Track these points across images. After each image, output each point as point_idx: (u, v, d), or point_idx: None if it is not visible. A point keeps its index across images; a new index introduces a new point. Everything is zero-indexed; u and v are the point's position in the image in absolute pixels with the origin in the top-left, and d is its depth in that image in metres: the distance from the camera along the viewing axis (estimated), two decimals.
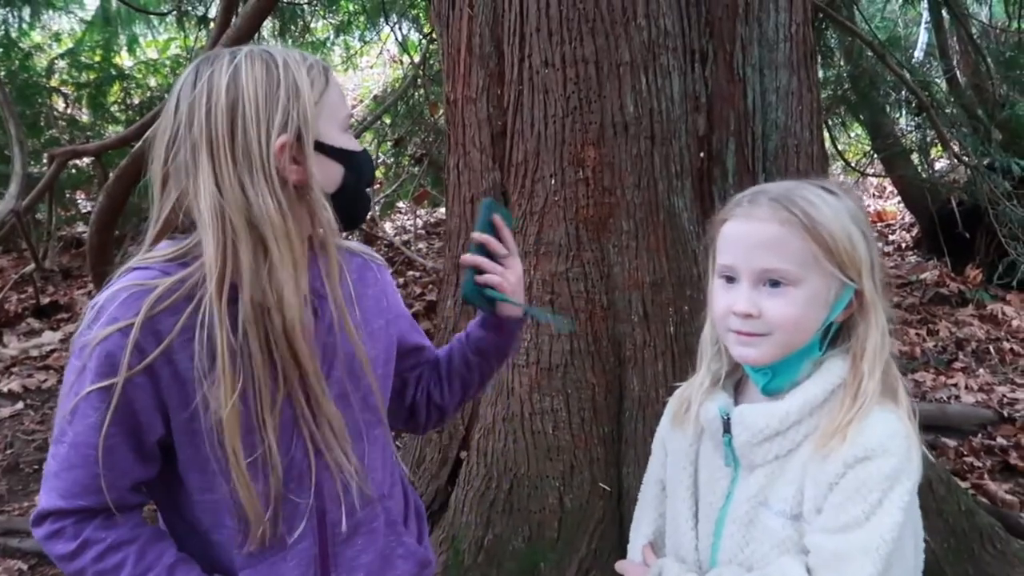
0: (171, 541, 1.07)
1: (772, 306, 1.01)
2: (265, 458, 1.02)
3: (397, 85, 6.93)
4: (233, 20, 3.57)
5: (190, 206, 1.00)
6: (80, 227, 6.34)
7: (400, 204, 6.85)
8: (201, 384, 0.98)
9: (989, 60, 5.04)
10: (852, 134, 6.97)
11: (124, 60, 7.10)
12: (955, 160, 4.98)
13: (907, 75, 4.64)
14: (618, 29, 2.01)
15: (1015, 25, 5.38)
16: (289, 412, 1.04)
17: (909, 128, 5.92)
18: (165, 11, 6.17)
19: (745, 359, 1.06)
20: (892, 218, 7.03)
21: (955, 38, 5.71)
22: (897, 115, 5.91)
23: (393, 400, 1.26)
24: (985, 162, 4.68)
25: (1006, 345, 4.32)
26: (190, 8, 5.87)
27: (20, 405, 3.91)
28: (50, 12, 6.67)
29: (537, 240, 2.10)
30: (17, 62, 6.03)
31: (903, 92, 5.34)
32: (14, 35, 6.17)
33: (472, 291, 1.20)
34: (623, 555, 1.29)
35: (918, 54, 6.13)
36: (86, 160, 5.47)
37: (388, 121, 6.30)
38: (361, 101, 8.33)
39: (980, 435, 3.40)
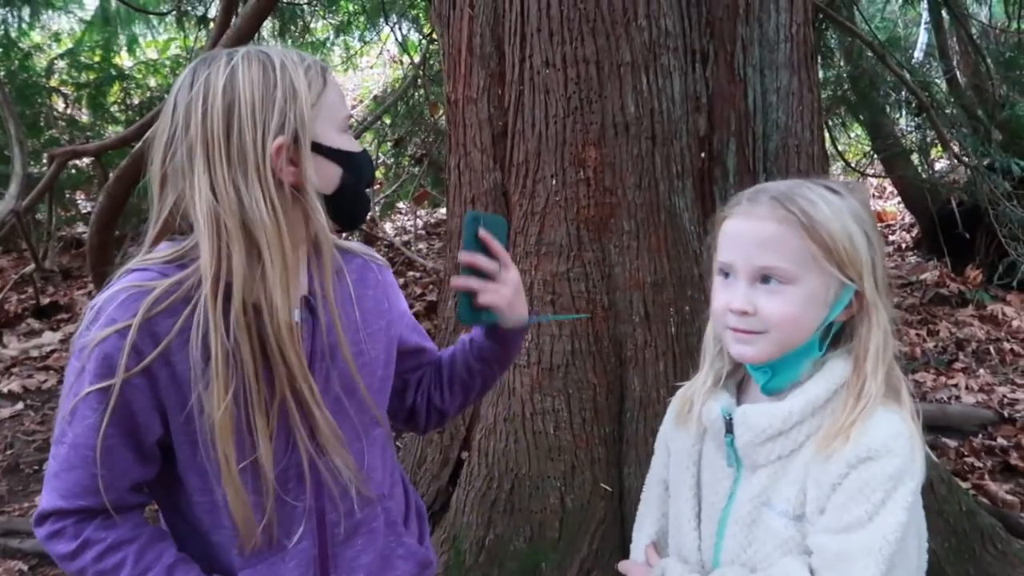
0: (171, 541, 1.08)
1: (768, 304, 1.01)
2: (259, 462, 1.02)
3: (397, 85, 6.93)
4: (233, 20, 3.57)
5: (187, 208, 1.00)
6: (80, 227, 6.34)
7: (400, 204, 6.85)
8: (196, 386, 0.99)
9: (989, 60, 5.04)
10: (852, 134, 6.97)
11: (124, 60, 7.09)
12: (955, 160, 4.98)
13: (907, 75, 4.65)
14: (619, 29, 2.01)
15: (1015, 25, 5.38)
16: (284, 416, 1.04)
17: (909, 128, 5.92)
18: (165, 11, 6.17)
19: (742, 357, 1.06)
20: (892, 218, 7.03)
21: (955, 38, 5.71)
22: (897, 115, 5.91)
23: (393, 401, 1.26)
24: (985, 162, 4.68)
25: (1006, 345, 4.32)
26: (190, 8, 5.87)
27: (20, 406, 3.90)
28: (50, 12, 6.67)
29: (538, 240, 2.10)
30: (17, 62, 6.02)
31: (903, 92, 5.34)
32: (14, 35, 6.17)
33: (468, 315, 1.16)
34: (624, 555, 1.29)
35: (918, 54, 6.13)
36: (86, 160, 5.47)
37: (388, 121, 6.30)
38: (361, 101, 8.33)
39: (980, 435, 3.40)
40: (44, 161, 5.19)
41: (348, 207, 1.10)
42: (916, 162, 5.77)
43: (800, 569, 0.99)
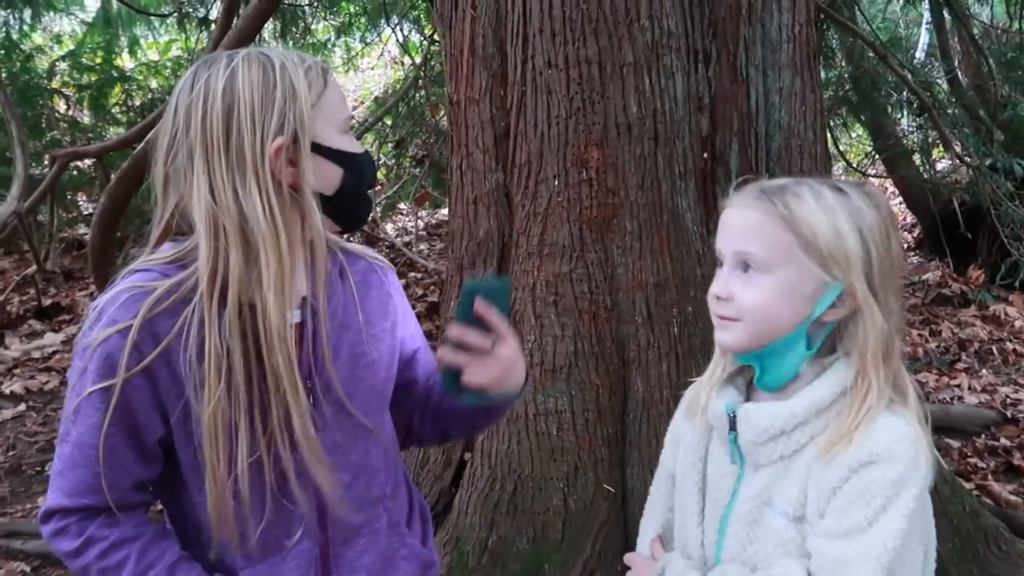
0: (174, 540, 1.09)
1: (742, 291, 1.02)
2: (257, 463, 1.02)
3: (398, 86, 6.94)
4: (234, 22, 3.57)
5: (187, 209, 1.01)
6: (81, 229, 6.34)
7: (401, 205, 6.85)
8: (190, 385, 1.00)
9: (991, 60, 5.04)
10: (854, 135, 6.97)
11: (125, 62, 7.10)
12: (957, 160, 4.98)
13: (909, 76, 4.64)
14: (621, 30, 2.01)
15: (1016, 25, 5.38)
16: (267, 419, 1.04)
17: (911, 129, 5.91)
18: (166, 13, 6.18)
19: (720, 343, 1.08)
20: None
21: (956, 39, 5.71)
22: (899, 116, 5.91)
23: None
24: (987, 162, 4.68)
25: (1009, 346, 4.31)
26: (191, 10, 5.87)
27: (22, 407, 3.91)
28: (51, 14, 6.69)
29: (540, 241, 2.10)
30: (18, 64, 6.03)
31: (904, 93, 5.34)
32: (15, 37, 6.18)
33: (450, 388, 1.11)
34: (628, 567, 1.29)
35: (919, 55, 6.13)
36: (87, 162, 5.47)
37: (389, 122, 6.30)
38: (362, 102, 8.33)
39: (983, 436, 3.39)
40: (46, 163, 5.19)
41: (349, 208, 1.09)
42: (918, 162, 5.76)
43: (798, 572, 0.99)
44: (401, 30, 6.25)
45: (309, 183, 1.01)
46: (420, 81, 5.70)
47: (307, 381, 1.08)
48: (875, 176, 6.30)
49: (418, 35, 6.62)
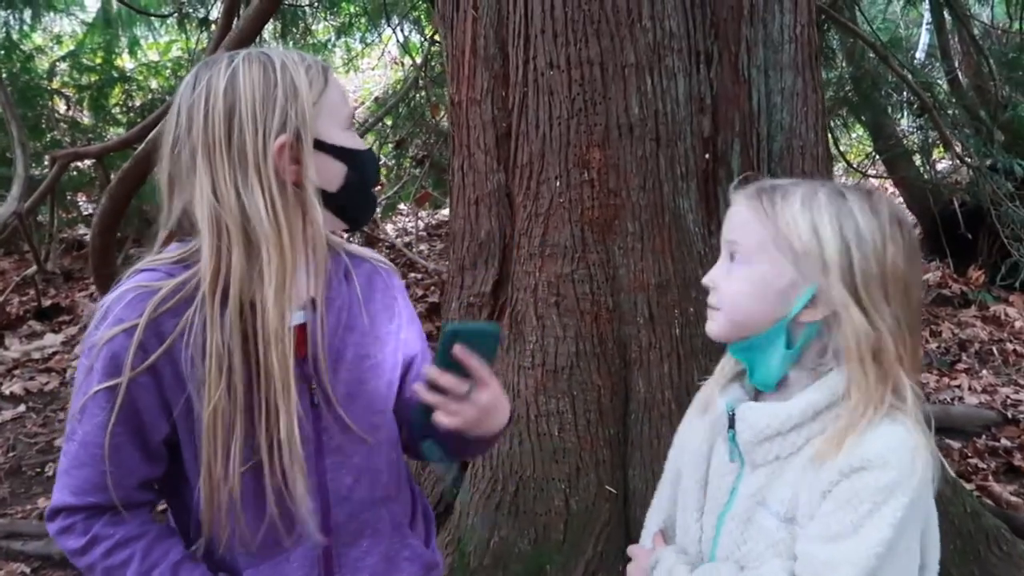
0: (178, 539, 1.09)
1: (724, 281, 1.05)
2: (258, 464, 1.02)
3: (398, 87, 6.93)
4: (235, 23, 3.57)
5: (190, 210, 1.02)
6: (81, 229, 6.34)
7: (401, 206, 6.84)
8: (193, 385, 1.00)
9: (991, 61, 5.04)
10: (854, 135, 6.97)
11: (125, 62, 7.10)
12: (957, 161, 4.98)
13: (909, 76, 4.64)
14: (623, 31, 2.01)
15: (1016, 26, 5.38)
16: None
17: (911, 129, 5.91)
18: (166, 13, 6.18)
19: (708, 332, 1.10)
20: None
21: (957, 39, 5.71)
22: (899, 116, 5.91)
23: None
24: (987, 163, 4.68)
25: (1009, 346, 4.31)
26: (191, 10, 5.87)
27: (22, 408, 3.90)
28: (51, 14, 6.68)
29: (542, 242, 2.10)
30: (18, 64, 6.02)
31: (905, 93, 5.34)
32: (15, 37, 6.17)
33: (419, 428, 1.10)
34: (629, 558, 1.29)
35: (920, 55, 6.13)
36: (87, 162, 5.47)
37: (389, 123, 6.30)
38: (362, 103, 8.32)
39: (984, 436, 3.39)
40: (46, 163, 5.19)
41: (353, 204, 1.10)
42: (918, 163, 5.76)
43: (781, 574, 0.99)
44: (401, 31, 6.26)
45: (312, 180, 1.02)
46: (420, 82, 5.69)
47: (311, 382, 1.08)
48: (875, 176, 6.31)
49: (418, 36, 6.62)
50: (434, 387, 1.04)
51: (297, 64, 1.03)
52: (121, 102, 6.52)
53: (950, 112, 5.12)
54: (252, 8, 3.05)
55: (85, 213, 6.44)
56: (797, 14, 2.16)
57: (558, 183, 2.07)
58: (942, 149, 5.67)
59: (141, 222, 5.67)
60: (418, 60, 5.93)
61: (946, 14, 5.27)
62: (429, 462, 1.14)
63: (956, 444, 3.30)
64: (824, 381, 1.01)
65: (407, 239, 6.59)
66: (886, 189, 7.60)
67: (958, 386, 3.83)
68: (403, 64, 7.34)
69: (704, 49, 2.09)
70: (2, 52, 5.85)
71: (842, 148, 6.16)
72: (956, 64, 5.64)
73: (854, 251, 0.97)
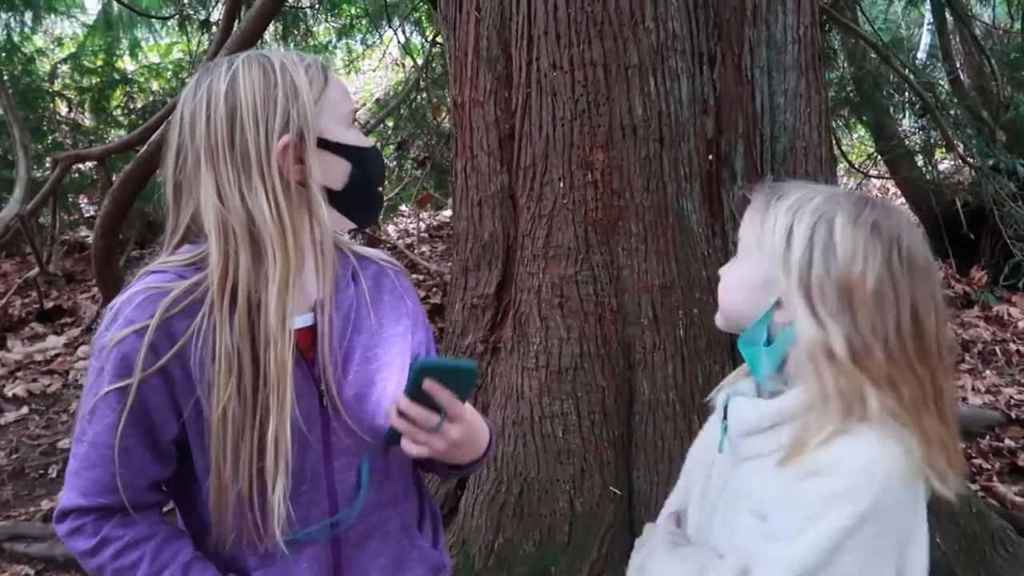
0: (187, 540, 1.09)
1: (724, 274, 1.09)
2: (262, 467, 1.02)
3: (399, 88, 6.93)
4: (236, 25, 3.57)
5: (197, 214, 1.02)
6: (83, 231, 6.34)
7: (403, 207, 6.84)
8: (200, 386, 1.01)
9: (993, 61, 5.04)
10: (855, 136, 6.97)
11: (126, 64, 7.11)
12: (960, 161, 4.97)
13: (911, 76, 4.64)
14: (626, 32, 2.01)
15: (1018, 26, 5.39)
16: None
17: (913, 130, 5.91)
18: (167, 15, 6.18)
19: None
20: None
21: (958, 39, 5.70)
22: (901, 117, 5.90)
23: None
24: (990, 163, 4.67)
25: (1012, 346, 4.31)
26: (192, 12, 5.87)
27: (25, 410, 3.90)
28: (52, 16, 6.68)
29: (546, 243, 2.10)
30: (20, 66, 6.03)
31: (907, 94, 5.34)
32: (16, 39, 6.17)
33: (390, 446, 1.10)
34: None
35: (921, 55, 6.13)
36: (89, 164, 5.48)
37: (391, 124, 6.30)
38: (363, 104, 8.33)
39: (988, 437, 3.39)
40: (47, 165, 5.20)
41: (359, 202, 1.10)
42: (920, 163, 5.76)
43: (728, 570, 1.01)
44: (403, 32, 6.26)
45: (316, 179, 1.02)
46: (422, 83, 5.69)
47: (319, 384, 1.08)
48: (877, 177, 6.30)
49: (419, 37, 6.63)
50: (404, 415, 1.02)
51: (296, 64, 1.03)
52: (122, 104, 6.53)
53: (952, 112, 5.12)
54: (254, 10, 3.06)
55: (87, 215, 6.46)
56: (800, 15, 2.16)
57: (562, 184, 2.07)
58: (944, 149, 5.67)
59: (143, 224, 5.69)
60: (419, 61, 5.93)
61: (947, 14, 5.27)
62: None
63: (960, 445, 3.29)
64: (800, 385, 1.02)
65: (409, 240, 6.59)
66: (888, 190, 7.61)
67: (961, 387, 3.83)
68: (404, 66, 7.35)
69: (707, 50, 2.09)
70: (3, 54, 5.86)
71: (844, 149, 6.15)
72: (958, 64, 5.64)
73: (816, 258, 0.96)
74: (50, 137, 6.05)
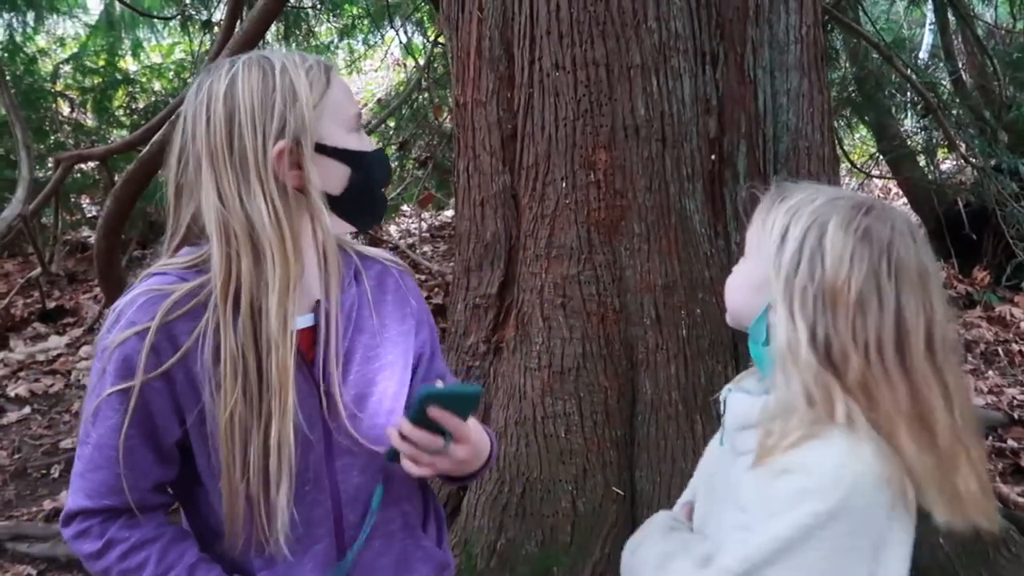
0: (193, 541, 1.09)
1: (733, 271, 1.11)
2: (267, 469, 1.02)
3: (401, 89, 6.93)
4: (238, 25, 3.58)
5: (198, 215, 1.02)
6: (85, 231, 6.35)
7: (404, 207, 6.84)
8: (206, 388, 1.00)
9: (995, 61, 5.03)
10: (857, 136, 6.96)
11: (128, 64, 7.11)
12: (962, 161, 4.97)
13: (913, 76, 4.64)
14: (629, 32, 2.01)
15: (1020, 26, 5.38)
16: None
17: (915, 130, 5.91)
18: (169, 16, 6.19)
19: None
20: None
21: (960, 39, 5.70)
22: (903, 116, 5.90)
23: None
24: (992, 163, 4.67)
25: (1015, 347, 4.30)
26: (194, 13, 5.88)
27: (27, 410, 3.90)
28: (54, 16, 6.68)
29: (548, 243, 2.10)
30: (22, 67, 6.04)
31: (909, 94, 5.34)
32: (19, 39, 6.18)
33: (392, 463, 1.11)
34: None
35: (923, 55, 6.13)
36: (91, 164, 5.48)
37: (392, 125, 6.31)
38: (365, 105, 8.33)
39: (990, 438, 3.38)
40: (50, 165, 5.21)
41: (358, 207, 1.09)
42: (922, 163, 5.76)
43: (697, 553, 1.03)
44: (404, 32, 6.26)
45: (315, 185, 1.01)
46: (423, 83, 5.70)
47: (319, 385, 1.08)
48: (879, 177, 6.30)
49: (421, 37, 6.63)
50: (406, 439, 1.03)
51: (298, 66, 1.02)
52: (124, 104, 6.54)
53: (954, 112, 5.12)
54: (256, 10, 3.06)
55: (89, 215, 6.46)
56: (803, 15, 2.16)
57: (564, 184, 2.07)
58: (946, 149, 5.67)
59: (145, 224, 5.69)
60: (421, 62, 5.93)
61: (950, 14, 5.27)
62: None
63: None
64: (781, 387, 1.02)
65: (410, 240, 6.59)
66: (890, 190, 7.61)
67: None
68: (406, 66, 7.35)
69: (710, 50, 2.09)
70: (6, 55, 5.86)
71: (846, 149, 6.15)
72: (960, 64, 5.63)
73: (803, 263, 0.96)
74: (52, 137, 6.06)
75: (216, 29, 5.30)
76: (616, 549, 2.04)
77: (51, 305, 5.24)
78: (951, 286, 5.08)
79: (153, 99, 6.50)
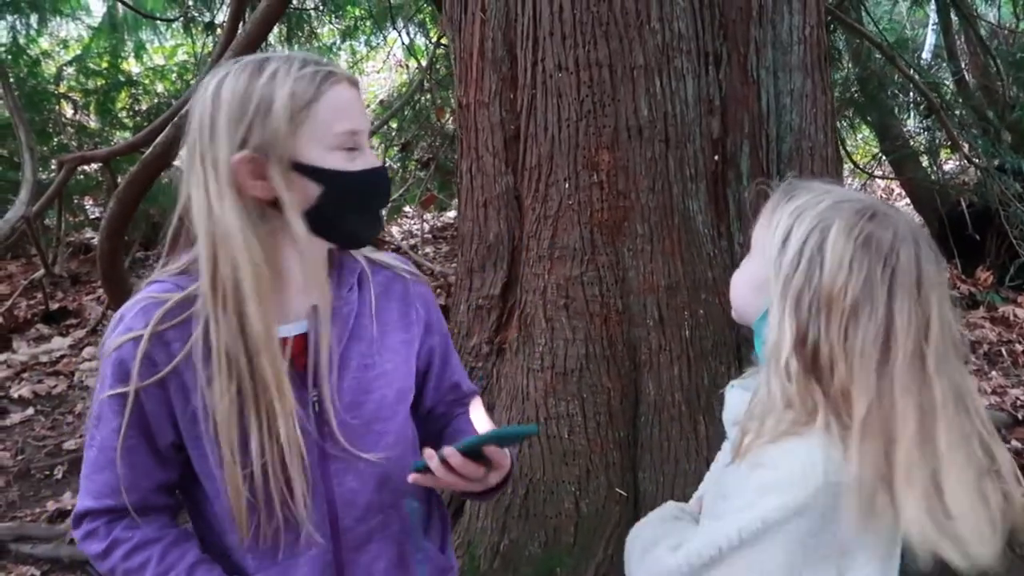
0: (195, 543, 1.11)
1: (738, 268, 1.12)
2: (265, 467, 1.03)
3: (403, 90, 6.94)
4: (241, 26, 3.58)
5: (186, 213, 1.03)
6: (88, 233, 6.36)
7: (407, 208, 6.85)
8: (200, 386, 1.01)
9: (998, 61, 5.03)
10: (860, 136, 6.96)
11: (131, 66, 7.13)
12: (965, 161, 4.96)
13: (916, 77, 4.63)
14: (632, 32, 2.01)
15: (1023, 26, 5.37)
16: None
17: (918, 130, 5.90)
18: (172, 17, 6.20)
19: None
20: None
21: (963, 39, 5.69)
22: (906, 117, 5.89)
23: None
24: (995, 163, 4.66)
25: (1018, 347, 4.30)
26: (196, 14, 5.89)
27: (31, 411, 3.91)
28: (57, 18, 6.69)
29: (551, 244, 2.10)
30: (25, 69, 6.05)
31: (911, 94, 5.33)
32: (22, 42, 6.19)
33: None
34: None
35: (926, 56, 6.12)
36: (94, 166, 5.49)
37: (395, 126, 6.31)
38: (368, 106, 8.34)
39: None
40: (53, 167, 5.21)
41: (330, 226, 1.05)
42: (925, 164, 5.75)
43: (674, 540, 1.05)
44: (407, 33, 6.26)
45: (283, 198, 1.00)
46: (426, 84, 5.70)
47: (309, 391, 1.08)
48: (882, 177, 6.29)
49: (423, 39, 6.63)
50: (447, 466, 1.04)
51: (289, 75, 0.99)
52: (127, 106, 6.55)
53: (957, 113, 5.11)
54: (259, 12, 3.06)
55: (92, 217, 6.47)
56: (806, 15, 2.16)
57: (567, 185, 2.07)
58: (949, 150, 5.65)
59: (148, 226, 5.70)
60: (423, 63, 5.94)
61: (952, 14, 5.26)
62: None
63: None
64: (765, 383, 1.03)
65: (413, 242, 6.59)
66: (892, 190, 7.59)
67: None
68: (408, 67, 7.36)
69: (713, 50, 2.09)
70: (9, 57, 5.87)
71: (849, 149, 6.14)
72: (963, 64, 5.63)
73: (802, 267, 0.96)
74: (56, 139, 6.07)
75: (219, 31, 5.31)
76: (619, 550, 2.03)
77: (54, 306, 5.25)
78: (954, 286, 5.08)
79: (156, 101, 6.51)
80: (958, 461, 0.92)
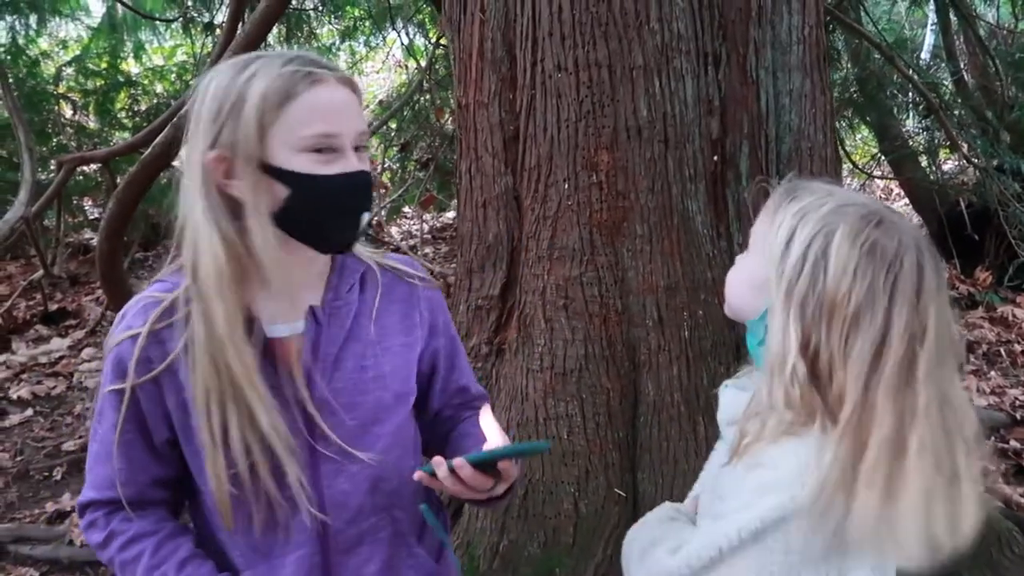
0: (190, 537, 1.12)
1: (734, 266, 1.11)
2: (252, 465, 1.04)
3: (403, 90, 6.94)
4: (240, 27, 3.58)
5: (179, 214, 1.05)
6: (87, 233, 6.36)
7: (406, 209, 6.85)
8: (190, 388, 1.03)
9: (997, 61, 5.03)
10: (859, 136, 6.96)
11: (131, 67, 7.13)
12: (964, 162, 4.97)
13: (915, 77, 4.63)
14: (631, 33, 2.01)
15: (1022, 26, 5.38)
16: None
17: (917, 130, 5.90)
18: (171, 18, 6.20)
19: None
20: None
21: (962, 40, 5.70)
22: (905, 117, 5.89)
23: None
24: (994, 163, 4.67)
25: (1017, 347, 4.30)
26: (196, 15, 5.89)
27: (29, 412, 3.91)
28: (57, 19, 6.69)
29: (551, 245, 2.10)
30: (25, 69, 6.05)
31: (911, 94, 5.33)
32: (21, 42, 6.19)
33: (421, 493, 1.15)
34: None
35: (925, 56, 6.12)
36: (93, 167, 5.49)
37: (394, 126, 6.31)
38: (367, 106, 8.34)
39: (993, 439, 3.38)
40: (52, 168, 5.21)
41: (301, 228, 1.04)
42: (924, 164, 5.75)
43: (673, 542, 1.05)
44: (406, 34, 6.26)
45: (245, 198, 1.01)
46: (425, 85, 5.70)
47: (298, 392, 1.08)
48: (881, 177, 6.29)
49: (423, 39, 6.63)
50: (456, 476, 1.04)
51: (267, 75, 0.98)
52: (127, 106, 6.55)
53: (956, 113, 5.11)
54: (258, 12, 3.06)
55: (91, 217, 6.47)
56: (805, 15, 2.16)
57: (566, 186, 2.07)
58: (948, 150, 5.66)
59: (148, 227, 5.70)
60: (423, 63, 5.94)
61: (951, 14, 5.26)
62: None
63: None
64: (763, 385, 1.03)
65: (412, 242, 6.59)
66: (891, 190, 7.59)
67: (966, 388, 3.81)
68: (407, 67, 7.35)
69: (712, 51, 2.09)
70: (9, 57, 5.87)
71: (848, 149, 6.15)
72: (962, 65, 5.63)
73: (806, 272, 0.95)
74: (55, 139, 6.07)
75: (218, 31, 5.31)
76: (618, 550, 2.03)
77: (53, 307, 5.25)
78: (953, 286, 5.08)
79: (155, 101, 6.51)
80: (924, 469, 0.91)
